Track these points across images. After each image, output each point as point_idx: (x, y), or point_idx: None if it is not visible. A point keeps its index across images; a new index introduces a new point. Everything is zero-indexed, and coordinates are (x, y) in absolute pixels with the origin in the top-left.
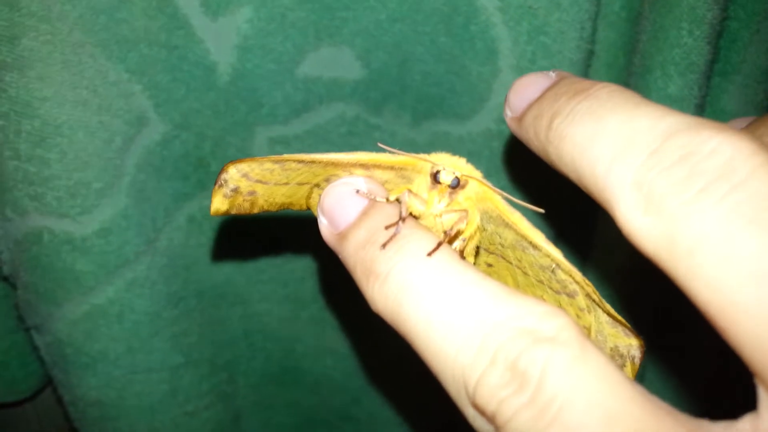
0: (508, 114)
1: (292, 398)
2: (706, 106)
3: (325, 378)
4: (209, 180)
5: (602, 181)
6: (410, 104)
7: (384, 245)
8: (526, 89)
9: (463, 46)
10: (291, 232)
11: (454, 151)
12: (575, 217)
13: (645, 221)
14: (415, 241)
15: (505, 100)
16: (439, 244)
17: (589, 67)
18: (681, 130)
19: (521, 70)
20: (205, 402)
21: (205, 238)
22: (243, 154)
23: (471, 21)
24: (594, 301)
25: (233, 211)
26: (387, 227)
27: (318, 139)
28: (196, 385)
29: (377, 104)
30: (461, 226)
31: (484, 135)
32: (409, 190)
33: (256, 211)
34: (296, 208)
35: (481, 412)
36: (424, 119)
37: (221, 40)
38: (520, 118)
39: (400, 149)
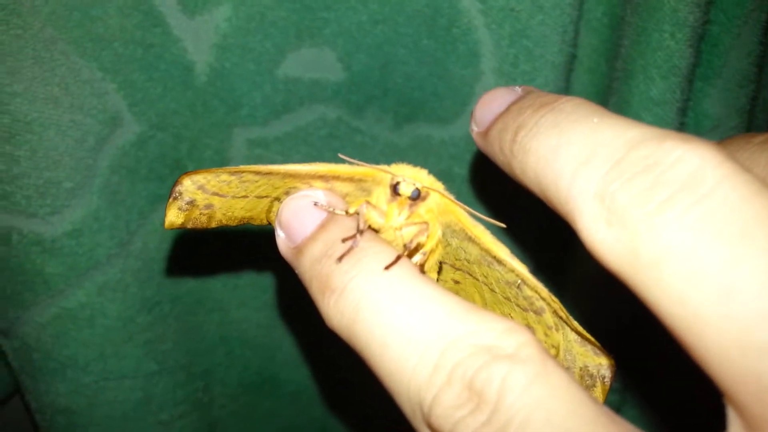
0: (474, 129)
1: (269, 408)
2: (688, 110)
3: (304, 388)
4: None
5: (565, 194)
6: (392, 107)
7: (340, 258)
8: (491, 103)
9: (446, 48)
10: (269, 235)
11: (437, 154)
12: (561, 221)
13: (607, 234)
14: (372, 255)
15: (471, 114)
16: (398, 258)
17: (571, 71)
18: (644, 141)
19: (503, 74)
20: (180, 411)
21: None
22: (220, 155)
23: (453, 23)
24: (561, 318)
25: (189, 225)
26: (344, 240)
27: (298, 141)
28: (170, 393)
29: (359, 107)
30: (422, 239)
31: (466, 139)
32: (368, 202)
33: (213, 225)
34: (257, 222)
35: None
36: (405, 122)
37: (199, 39)
38: (486, 133)
39: (381, 152)
